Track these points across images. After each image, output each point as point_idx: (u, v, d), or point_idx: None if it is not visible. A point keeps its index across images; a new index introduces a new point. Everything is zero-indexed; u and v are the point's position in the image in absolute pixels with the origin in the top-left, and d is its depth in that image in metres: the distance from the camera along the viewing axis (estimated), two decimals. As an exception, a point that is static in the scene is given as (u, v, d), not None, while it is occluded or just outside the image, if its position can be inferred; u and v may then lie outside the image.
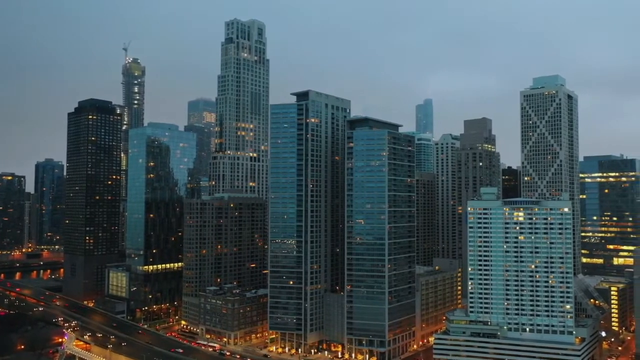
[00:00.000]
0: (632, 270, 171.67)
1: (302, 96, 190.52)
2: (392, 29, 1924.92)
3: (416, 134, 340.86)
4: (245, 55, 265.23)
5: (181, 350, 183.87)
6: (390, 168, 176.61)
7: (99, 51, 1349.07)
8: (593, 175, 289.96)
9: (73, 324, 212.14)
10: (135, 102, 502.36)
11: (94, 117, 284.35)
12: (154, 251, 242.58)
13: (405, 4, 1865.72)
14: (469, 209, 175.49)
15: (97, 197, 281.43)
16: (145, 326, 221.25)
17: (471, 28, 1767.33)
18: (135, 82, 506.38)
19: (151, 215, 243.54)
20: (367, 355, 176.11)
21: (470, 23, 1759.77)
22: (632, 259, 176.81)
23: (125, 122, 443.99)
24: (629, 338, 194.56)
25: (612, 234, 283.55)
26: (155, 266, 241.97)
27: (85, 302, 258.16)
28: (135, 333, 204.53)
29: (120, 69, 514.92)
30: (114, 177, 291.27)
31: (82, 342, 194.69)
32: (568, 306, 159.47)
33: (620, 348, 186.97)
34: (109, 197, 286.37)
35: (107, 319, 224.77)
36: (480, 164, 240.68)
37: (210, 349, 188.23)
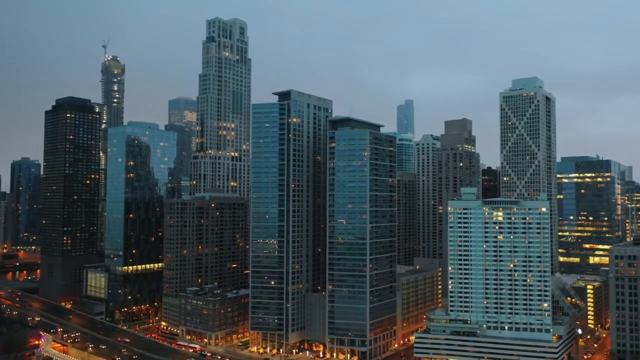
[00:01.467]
0: (607, 268, 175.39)
1: (284, 96, 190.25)
2: (375, 29, 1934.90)
3: (397, 135, 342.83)
4: (227, 54, 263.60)
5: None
6: (371, 168, 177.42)
7: (78, 48, 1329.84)
8: (570, 175, 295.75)
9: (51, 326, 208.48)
10: (115, 100, 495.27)
11: (72, 116, 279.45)
12: (134, 251, 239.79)
13: (389, 5, 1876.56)
14: (449, 208, 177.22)
15: (75, 197, 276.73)
16: (125, 327, 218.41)
17: (453, 30, 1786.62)
18: (115, 80, 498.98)
19: (131, 215, 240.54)
20: (349, 355, 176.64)
21: (453, 25, 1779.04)
22: (607, 258, 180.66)
23: (104, 121, 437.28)
24: (604, 335, 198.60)
25: (588, 233, 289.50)
26: (134, 267, 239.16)
27: (63, 304, 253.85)
28: (114, 334, 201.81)
29: (100, 66, 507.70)
30: (93, 176, 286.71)
31: (59, 344, 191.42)
32: (545, 304, 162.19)
33: (595, 345, 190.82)
34: (87, 197, 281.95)
35: (85, 321, 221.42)
36: (461, 164, 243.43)
37: (191, 350, 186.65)
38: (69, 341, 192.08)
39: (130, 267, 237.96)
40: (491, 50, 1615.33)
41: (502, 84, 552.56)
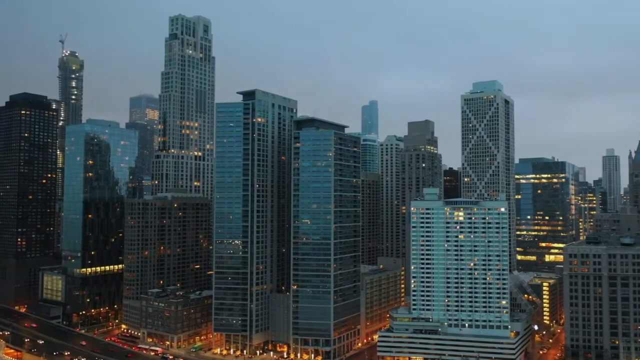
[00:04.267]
0: (561, 266, 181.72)
1: (249, 95, 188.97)
2: (343, 30, 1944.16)
3: (362, 135, 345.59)
4: (190, 52, 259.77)
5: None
6: (336, 168, 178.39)
7: (34, 42, 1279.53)
8: (527, 176, 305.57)
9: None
10: (73, 97, 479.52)
11: (27, 112, 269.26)
12: (93, 253, 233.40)
13: (358, 6, 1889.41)
14: (412, 208, 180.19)
15: (31, 197, 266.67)
16: (83, 331, 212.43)
17: (421, 31, 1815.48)
18: (73, 76, 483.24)
19: (90, 216, 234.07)
20: (313, 355, 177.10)
21: (421, 26, 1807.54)
22: (562, 256, 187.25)
23: (61, 118, 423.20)
24: (559, 331, 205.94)
25: (544, 232, 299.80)
26: (93, 268, 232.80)
27: (17, 308, 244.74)
28: (71, 339, 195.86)
29: (57, 62, 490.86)
30: (49, 175, 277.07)
31: (12, 350, 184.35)
32: (504, 302, 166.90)
33: (550, 341, 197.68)
34: (43, 197, 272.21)
35: (40, 325, 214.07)
36: (423, 165, 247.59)
37: (152, 353, 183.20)
38: (5, 340, 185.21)
39: (89, 269, 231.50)
40: (458, 52, 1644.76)
41: (467, 86, 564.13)
